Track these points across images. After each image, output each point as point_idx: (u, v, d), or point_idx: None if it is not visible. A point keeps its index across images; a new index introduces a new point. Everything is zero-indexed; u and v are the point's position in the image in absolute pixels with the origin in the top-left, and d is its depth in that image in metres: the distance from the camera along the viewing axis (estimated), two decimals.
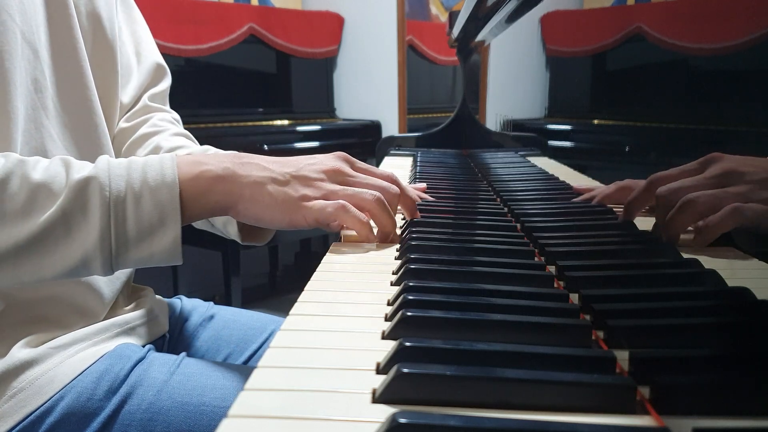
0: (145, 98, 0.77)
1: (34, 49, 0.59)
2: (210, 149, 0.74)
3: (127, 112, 0.75)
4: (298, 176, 0.54)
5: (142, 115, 0.76)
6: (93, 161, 0.66)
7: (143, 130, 0.74)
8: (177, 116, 0.82)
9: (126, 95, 0.75)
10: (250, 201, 0.52)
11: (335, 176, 0.56)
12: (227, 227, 0.66)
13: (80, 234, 0.48)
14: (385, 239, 0.58)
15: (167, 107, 0.81)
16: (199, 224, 0.69)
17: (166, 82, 0.81)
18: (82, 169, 0.49)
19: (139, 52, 0.78)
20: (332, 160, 0.57)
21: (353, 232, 0.57)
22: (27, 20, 0.58)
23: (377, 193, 0.55)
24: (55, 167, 0.49)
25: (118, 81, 0.71)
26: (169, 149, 0.72)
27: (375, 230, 0.58)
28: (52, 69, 0.62)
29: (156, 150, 0.73)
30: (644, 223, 0.64)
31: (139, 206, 0.48)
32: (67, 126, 0.63)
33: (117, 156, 0.74)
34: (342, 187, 0.55)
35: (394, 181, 0.60)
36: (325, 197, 0.53)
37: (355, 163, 0.60)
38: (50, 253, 0.47)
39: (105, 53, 0.69)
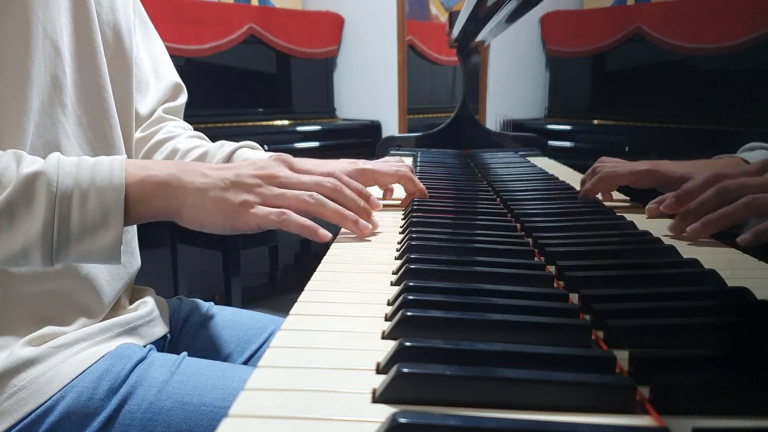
0: (159, 110, 0.81)
1: (56, 47, 0.61)
2: (225, 143, 0.77)
3: (143, 124, 0.79)
4: (237, 182, 0.55)
5: (155, 125, 0.80)
6: None
7: (158, 136, 0.79)
8: (189, 126, 0.86)
9: (144, 107, 0.79)
10: (193, 207, 0.54)
11: (271, 180, 0.57)
12: None
13: (23, 225, 0.49)
14: (359, 232, 0.59)
15: (181, 119, 0.85)
16: None
17: (183, 99, 0.86)
18: (33, 163, 0.50)
19: (158, 71, 0.82)
20: (270, 165, 0.58)
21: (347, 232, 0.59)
22: (50, 19, 0.60)
23: (312, 192, 0.57)
24: (7, 160, 0.50)
25: (133, 90, 0.74)
26: (186, 150, 0.77)
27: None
28: (73, 69, 0.64)
29: (174, 152, 0.77)
30: (644, 223, 0.64)
31: (84, 204, 0.50)
32: (82, 124, 0.65)
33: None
34: (280, 191, 0.56)
35: (330, 174, 0.61)
36: (265, 202, 0.55)
37: (294, 164, 0.61)
38: None
39: (122, 62, 0.72)
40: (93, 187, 0.51)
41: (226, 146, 0.77)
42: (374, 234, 0.61)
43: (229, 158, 0.75)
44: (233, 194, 0.54)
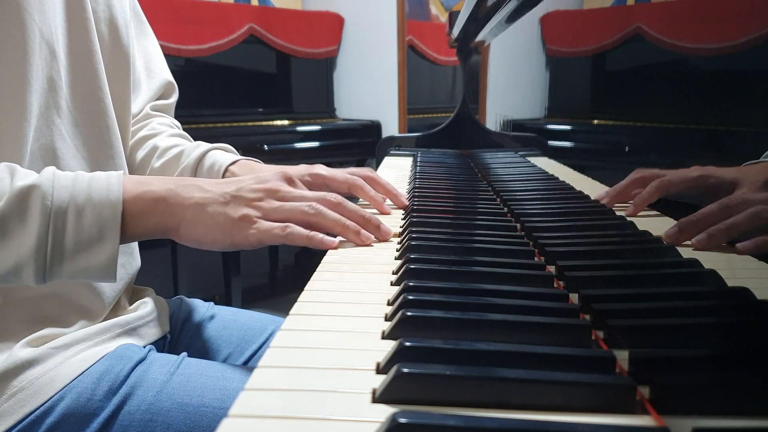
0: (147, 108, 0.80)
1: (52, 48, 0.60)
2: (200, 144, 0.76)
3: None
4: (237, 197, 0.54)
5: (141, 122, 0.80)
6: (103, 161, 0.67)
7: (142, 132, 0.78)
8: (177, 123, 0.85)
9: (135, 106, 0.78)
10: (192, 223, 0.52)
11: (272, 194, 0.55)
12: None
13: (15, 240, 0.48)
14: (361, 242, 0.57)
15: (169, 117, 0.85)
16: None
17: (173, 98, 0.85)
18: (27, 176, 0.49)
19: (150, 68, 0.81)
20: (271, 180, 0.57)
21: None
22: (46, 20, 0.59)
23: (314, 203, 0.55)
24: (0, 173, 0.49)
25: (130, 87, 0.73)
26: (165, 148, 0.75)
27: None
28: (68, 69, 0.63)
29: (153, 150, 0.76)
30: (644, 223, 0.64)
31: (80, 219, 0.49)
32: (78, 125, 0.64)
33: (128, 158, 0.76)
34: (280, 203, 0.55)
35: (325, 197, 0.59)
36: (265, 216, 0.54)
37: (296, 183, 0.59)
38: None
39: (120, 60, 0.71)
40: (89, 203, 0.49)
41: (200, 147, 0.75)
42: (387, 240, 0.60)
43: (199, 160, 0.73)
44: (233, 209, 0.53)
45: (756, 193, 0.55)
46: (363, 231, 0.57)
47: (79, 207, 0.49)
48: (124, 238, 0.51)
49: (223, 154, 0.75)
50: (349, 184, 0.70)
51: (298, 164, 0.73)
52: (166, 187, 0.53)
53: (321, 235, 0.54)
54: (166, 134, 0.79)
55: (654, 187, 0.69)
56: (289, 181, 0.58)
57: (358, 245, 0.57)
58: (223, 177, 0.71)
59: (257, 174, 0.59)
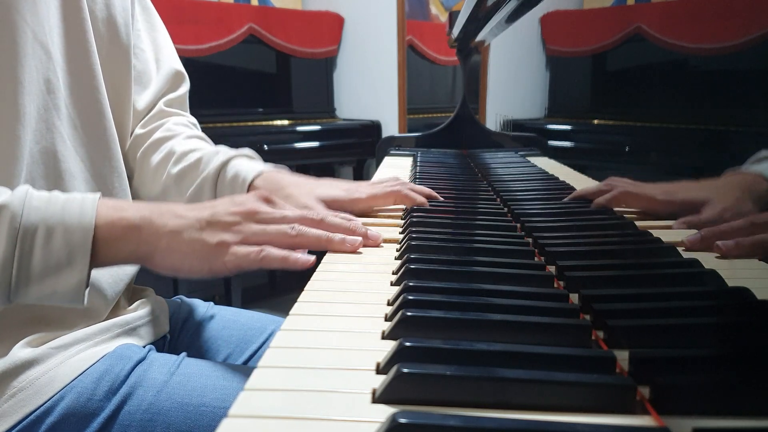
0: (161, 104, 0.77)
1: (47, 49, 0.59)
2: (221, 148, 0.73)
3: (143, 118, 0.76)
4: (213, 221, 0.52)
5: (156, 121, 0.76)
6: (102, 163, 0.67)
7: (157, 135, 0.75)
8: (194, 120, 0.82)
9: (141, 101, 0.75)
10: (167, 251, 0.50)
11: (251, 217, 0.53)
12: None
13: None
14: (349, 249, 0.55)
15: (185, 112, 0.81)
16: None
17: (184, 88, 0.81)
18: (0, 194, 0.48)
19: (159, 58, 0.78)
20: (249, 202, 0.55)
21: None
22: (39, 21, 0.59)
23: (296, 225, 0.54)
24: None
25: (131, 87, 0.72)
26: (181, 153, 0.72)
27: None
28: (65, 70, 0.62)
29: (170, 155, 0.73)
30: (644, 223, 0.64)
31: (49, 242, 0.47)
32: (77, 128, 0.64)
33: (131, 161, 0.75)
34: (261, 227, 0.53)
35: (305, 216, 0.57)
36: (245, 240, 0.52)
37: (273, 202, 0.57)
38: None
39: (119, 58, 0.70)
40: (60, 225, 0.48)
41: (220, 154, 0.71)
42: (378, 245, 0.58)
43: (220, 170, 0.70)
44: (209, 234, 0.51)
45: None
46: (348, 237, 0.56)
47: (50, 229, 0.47)
48: (95, 264, 0.49)
49: (246, 164, 0.70)
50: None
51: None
52: (141, 215, 0.51)
53: (296, 255, 0.52)
54: (183, 136, 0.76)
55: (615, 195, 0.70)
56: (266, 200, 0.56)
57: (348, 253, 0.55)
58: (248, 192, 0.67)
59: (232, 196, 0.57)
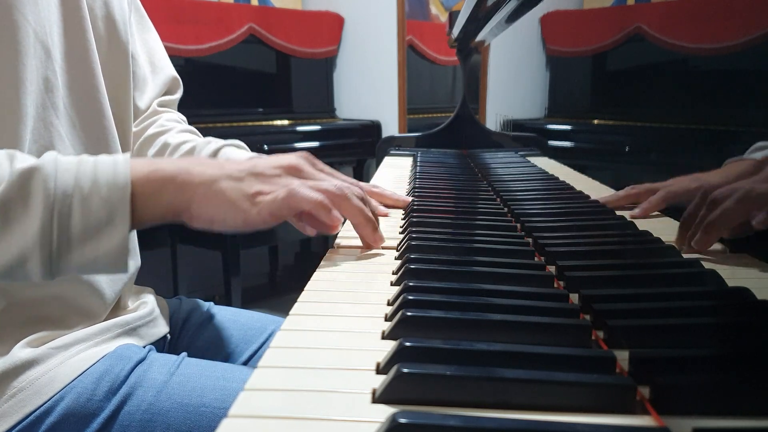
0: (154, 104, 0.80)
1: (47, 48, 0.59)
2: (211, 140, 0.76)
3: (139, 118, 0.79)
4: (254, 172, 0.51)
5: (150, 118, 0.79)
6: None
7: (151, 130, 0.78)
8: (183, 117, 0.85)
9: (142, 102, 0.78)
10: (204, 199, 0.49)
11: (292, 172, 0.52)
12: None
13: (19, 227, 0.44)
14: (372, 241, 0.56)
15: (176, 112, 0.85)
16: None
17: (179, 93, 0.85)
18: (27, 160, 0.46)
19: (154, 63, 0.81)
20: (293, 158, 0.54)
21: (347, 240, 0.56)
22: (40, 20, 0.59)
23: (338, 183, 0.53)
24: None
25: (130, 85, 0.73)
26: (176, 145, 0.75)
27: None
28: (64, 69, 0.62)
29: (164, 147, 0.76)
30: (644, 223, 0.64)
31: (86, 202, 0.45)
32: (76, 126, 0.64)
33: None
34: (300, 180, 0.51)
35: (355, 184, 0.58)
36: None
37: (317, 164, 0.56)
38: None
39: (119, 57, 0.70)
40: (95, 185, 0.46)
41: (212, 143, 0.75)
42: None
43: (213, 156, 0.73)
44: (247, 184, 0.49)
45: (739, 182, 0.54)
46: (379, 230, 0.56)
47: (85, 189, 0.46)
48: (134, 222, 0.47)
49: (236, 152, 0.74)
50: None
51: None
52: (177, 166, 0.49)
53: (329, 204, 0.50)
54: (176, 130, 0.78)
55: (660, 196, 0.70)
56: (312, 163, 0.56)
57: (366, 243, 0.56)
58: None
59: (277, 155, 0.56)
